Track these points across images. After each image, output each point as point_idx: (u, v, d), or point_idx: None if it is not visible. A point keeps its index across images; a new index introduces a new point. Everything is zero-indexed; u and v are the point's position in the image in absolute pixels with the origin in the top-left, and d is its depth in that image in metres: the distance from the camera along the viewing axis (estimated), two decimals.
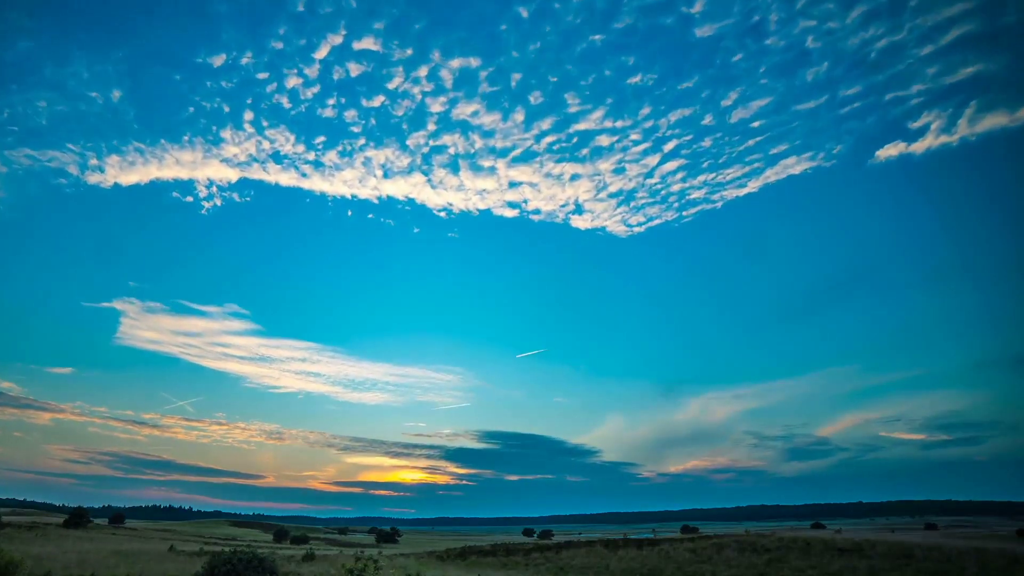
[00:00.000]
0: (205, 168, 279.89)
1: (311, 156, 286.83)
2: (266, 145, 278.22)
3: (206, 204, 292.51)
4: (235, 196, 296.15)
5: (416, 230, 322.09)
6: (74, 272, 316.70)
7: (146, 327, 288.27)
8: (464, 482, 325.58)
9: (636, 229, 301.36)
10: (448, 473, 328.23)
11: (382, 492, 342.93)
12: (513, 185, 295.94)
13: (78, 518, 49.55)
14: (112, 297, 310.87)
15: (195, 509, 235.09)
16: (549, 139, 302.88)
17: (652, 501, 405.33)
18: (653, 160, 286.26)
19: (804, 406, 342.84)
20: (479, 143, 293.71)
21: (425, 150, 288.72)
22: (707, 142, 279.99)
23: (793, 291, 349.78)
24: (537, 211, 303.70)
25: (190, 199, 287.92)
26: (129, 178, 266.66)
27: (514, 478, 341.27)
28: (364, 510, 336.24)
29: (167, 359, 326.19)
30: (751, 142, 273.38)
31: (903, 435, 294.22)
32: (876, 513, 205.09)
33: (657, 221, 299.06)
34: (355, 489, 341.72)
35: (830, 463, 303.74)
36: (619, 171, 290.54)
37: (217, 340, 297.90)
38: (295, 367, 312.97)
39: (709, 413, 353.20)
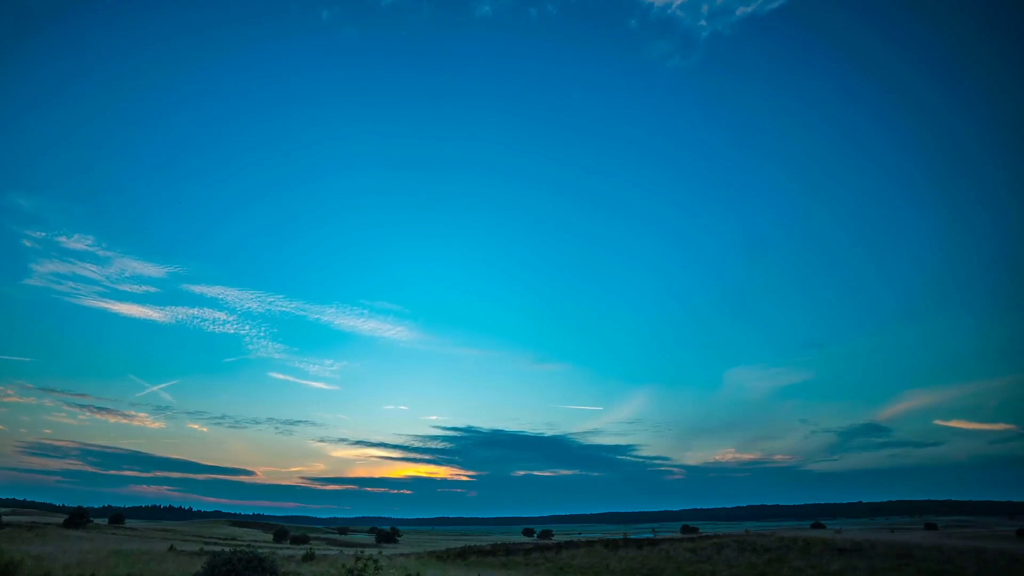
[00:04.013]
0: None
1: None
2: None
3: None
4: None
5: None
6: None
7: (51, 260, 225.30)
8: (464, 477, 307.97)
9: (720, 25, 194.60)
10: (449, 467, 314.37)
11: (378, 489, 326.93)
12: None
13: (78, 518, 49.60)
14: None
15: (194, 508, 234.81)
16: None
17: (676, 499, 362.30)
18: None
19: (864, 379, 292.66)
20: None
21: None
22: None
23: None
24: None
25: None
26: None
27: (521, 473, 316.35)
28: (363, 510, 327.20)
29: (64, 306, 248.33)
30: None
31: (967, 424, 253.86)
32: (876, 513, 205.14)
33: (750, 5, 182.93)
34: (350, 486, 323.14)
35: (882, 457, 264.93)
36: None
37: (188, 292, 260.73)
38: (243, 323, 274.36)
39: (749, 392, 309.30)
